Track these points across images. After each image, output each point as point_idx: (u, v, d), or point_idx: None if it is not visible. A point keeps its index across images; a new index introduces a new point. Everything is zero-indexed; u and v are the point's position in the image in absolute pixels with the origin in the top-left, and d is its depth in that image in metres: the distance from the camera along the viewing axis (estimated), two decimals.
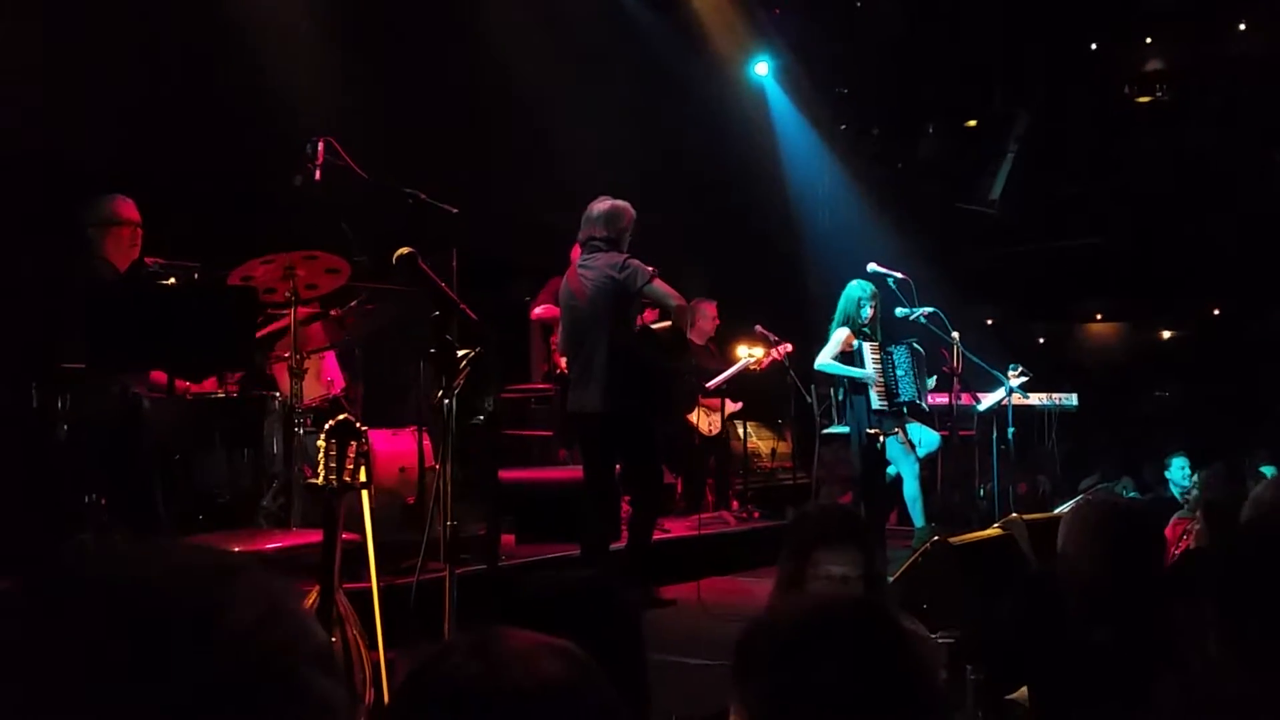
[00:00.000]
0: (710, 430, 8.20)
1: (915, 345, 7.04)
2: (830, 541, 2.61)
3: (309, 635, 0.79)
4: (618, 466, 5.79)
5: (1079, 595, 2.60)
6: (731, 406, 8.56)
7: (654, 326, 5.80)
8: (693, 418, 8.07)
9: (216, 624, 0.73)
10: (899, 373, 6.92)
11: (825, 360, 6.93)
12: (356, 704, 3.00)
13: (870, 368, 6.87)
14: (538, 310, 7.27)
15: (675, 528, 7.01)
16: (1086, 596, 2.59)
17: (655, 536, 6.05)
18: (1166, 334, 13.00)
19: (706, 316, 8.18)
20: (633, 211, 5.69)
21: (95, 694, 0.69)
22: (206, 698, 0.71)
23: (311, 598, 3.09)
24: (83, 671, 0.70)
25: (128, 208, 4.91)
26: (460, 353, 3.07)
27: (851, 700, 1.42)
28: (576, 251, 6.93)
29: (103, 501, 4.43)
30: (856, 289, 7.01)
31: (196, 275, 5.00)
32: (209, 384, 5.04)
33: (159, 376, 4.63)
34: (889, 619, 1.56)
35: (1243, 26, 10.09)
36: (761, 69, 10.23)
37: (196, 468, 4.84)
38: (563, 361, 6.64)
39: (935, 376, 7.19)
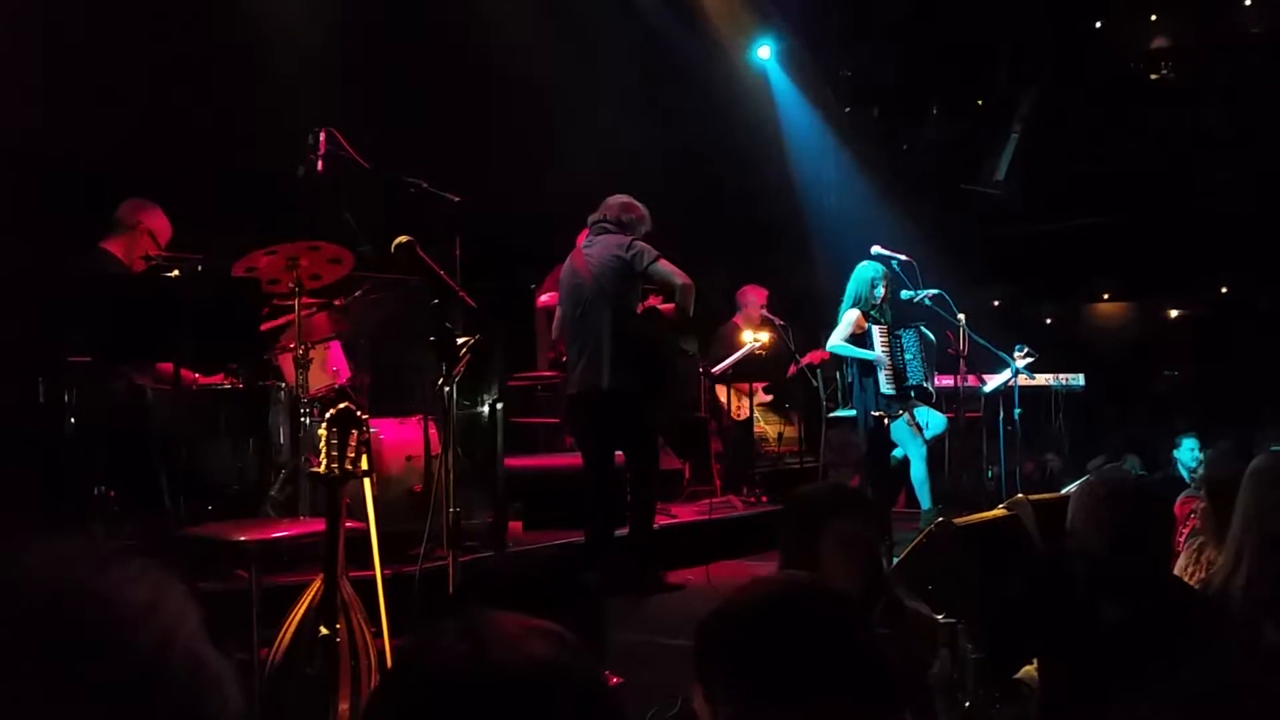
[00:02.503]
0: (739, 414, 8.27)
1: (924, 330, 7.03)
2: (844, 510, 2.65)
3: (192, 611, 0.81)
4: (619, 454, 5.80)
5: (1088, 571, 2.60)
6: (763, 398, 8.63)
7: (659, 307, 5.80)
8: (724, 399, 8.18)
9: (108, 612, 0.75)
10: (907, 356, 6.92)
11: (837, 341, 6.93)
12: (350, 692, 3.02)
13: (879, 351, 6.87)
14: (544, 298, 7.28)
15: (683, 512, 7.03)
16: (1095, 572, 2.59)
17: (663, 521, 6.07)
18: (1174, 313, 12.94)
19: (754, 304, 8.24)
20: (648, 215, 5.73)
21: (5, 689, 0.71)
22: (110, 681, 0.74)
23: (316, 586, 3.11)
24: None
25: (150, 217, 4.98)
26: (460, 340, 3.07)
27: (808, 683, 1.43)
28: (580, 239, 6.95)
29: (111, 493, 4.46)
30: (869, 269, 6.99)
31: (200, 267, 5.02)
32: (215, 375, 5.06)
33: (165, 368, 4.64)
34: (838, 601, 1.58)
35: (1248, 2, 10.02)
36: (764, 53, 10.19)
37: (204, 458, 4.85)
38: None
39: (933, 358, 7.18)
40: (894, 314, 7.09)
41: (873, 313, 6.94)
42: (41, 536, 0.79)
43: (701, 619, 1.60)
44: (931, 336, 7.05)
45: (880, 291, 6.95)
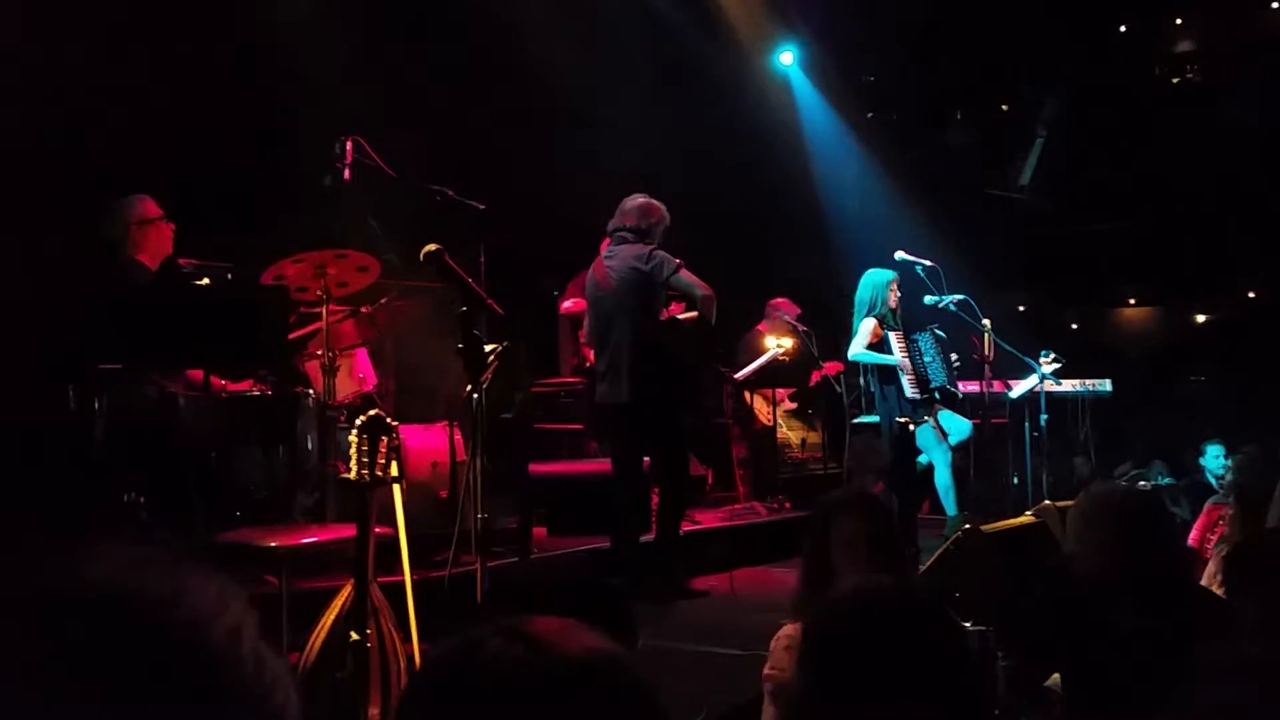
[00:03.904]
0: (767, 420, 8.29)
1: (937, 331, 7.02)
2: (846, 510, 2.69)
3: (251, 614, 0.83)
4: (646, 459, 5.80)
5: (1092, 585, 2.60)
6: (788, 405, 8.64)
7: (680, 317, 5.81)
8: (753, 404, 8.22)
9: (180, 612, 0.78)
10: (926, 359, 6.90)
11: (858, 350, 6.92)
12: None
13: (899, 356, 6.86)
14: (566, 304, 7.30)
15: (707, 519, 7.03)
16: (1099, 586, 2.59)
17: (687, 528, 6.06)
18: (1201, 317, 12.84)
19: (784, 316, 8.24)
20: (667, 213, 5.72)
21: (77, 695, 0.74)
22: (188, 681, 0.76)
23: (346, 591, 3.13)
24: (65, 675, 0.74)
25: (150, 205, 4.98)
26: (488, 347, 3.09)
27: (902, 689, 1.45)
28: (606, 244, 6.96)
29: (141, 500, 4.50)
30: (878, 276, 6.99)
31: (230, 275, 5.07)
32: (244, 382, 5.10)
33: (195, 375, 4.69)
34: (936, 610, 1.59)
35: (1275, 4, 9.95)
36: (786, 59, 10.19)
37: (233, 465, 4.89)
38: (591, 354, 6.66)
39: (959, 361, 7.15)
40: (905, 318, 7.08)
41: (887, 319, 6.93)
42: (104, 542, 0.81)
43: (811, 617, 1.63)
44: (944, 335, 7.03)
45: (890, 297, 6.94)
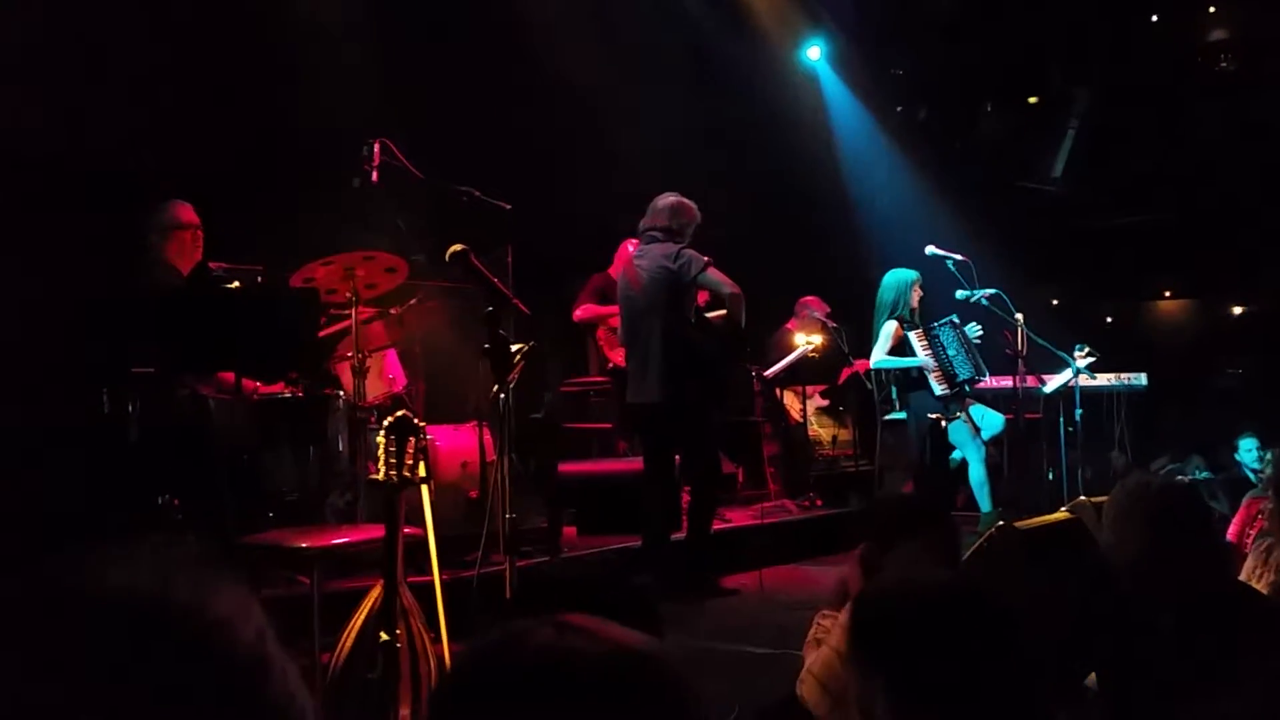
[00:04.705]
0: (798, 416, 8.28)
1: (954, 320, 6.96)
2: (912, 532, 2.62)
3: (264, 620, 0.84)
4: (677, 457, 5.79)
5: (1131, 582, 2.56)
6: (820, 401, 8.61)
7: (709, 315, 5.79)
8: (785, 401, 8.21)
9: (208, 616, 0.78)
10: (950, 353, 6.85)
11: (880, 357, 6.89)
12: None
13: (922, 356, 6.81)
14: (579, 313, 7.26)
15: (738, 517, 7.00)
16: (1137, 582, 2.54)
17: (718, 526, 6.05)
18: (1238, 310, 12.66)
19: (814, 314, 8.21)
20: (697, 211, 5.72)
21: (108, 694, 0.74)
22: (218, 683, 0.77)
23: (376, 591, 3.14)
24: (100, 679, 0.75)
25: (186, 211, 5.03)
26: (515, 347, 3.09)
27: (961, 686, 1.44)
28: (622, 249, 6.98)
29: (175, 502, 4.54)
30: (901, 276, 6.95)
31: (260, 278, 5.11)
32: (275, 385, 5.14)
33: (227, 378, 4.73)
34: (1002, 609, 1.58)
35: None
36: (814, 54, 10.14)
37: (264, 466, 4.93)
38: (615, 355, 6.67)
39: (982, 332, 7.08)
40: (931, 311, 7.03)
41: (908, 319, 6.89)
42: (129, 547, 0.81)
43: (859, 608, 1.63)
44: (958, 320, 6.97)
45: (913, 298, 6.90)
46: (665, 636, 1.79)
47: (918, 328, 6.88)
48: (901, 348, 6.86)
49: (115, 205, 5.30)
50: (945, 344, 6.85)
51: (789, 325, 8.43)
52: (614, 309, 6.37)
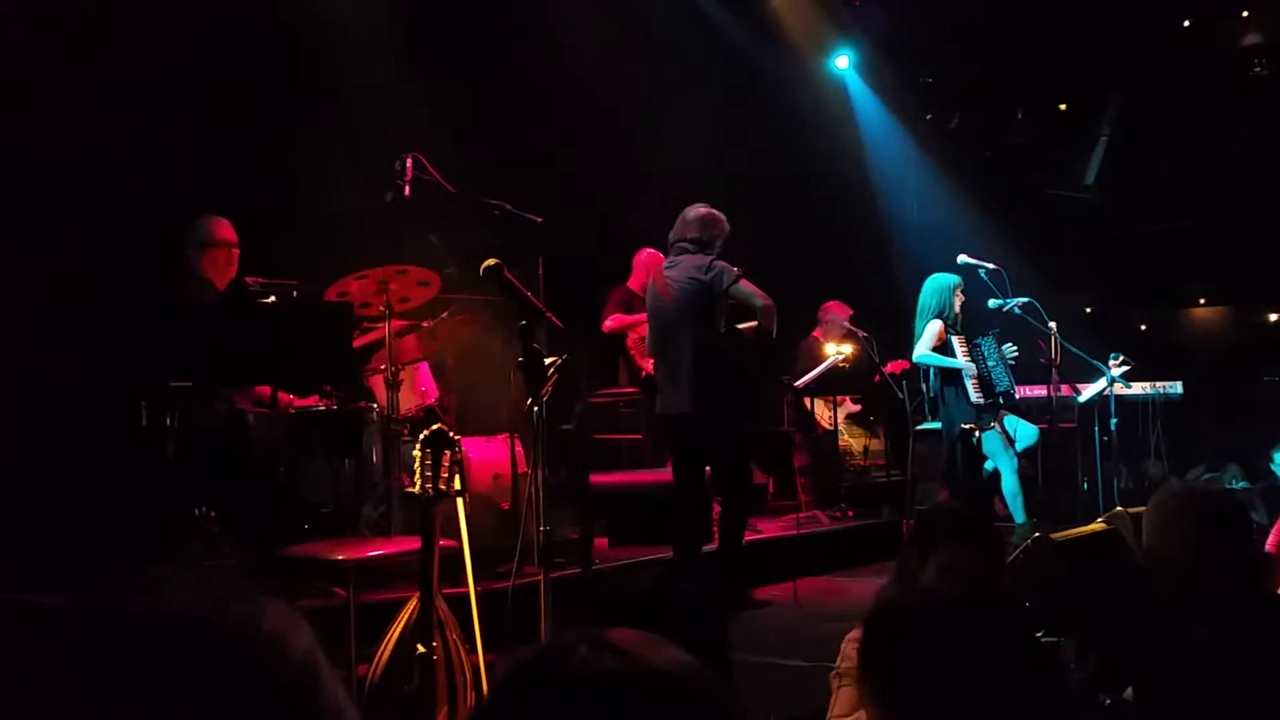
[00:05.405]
0: (827, 424, 8.26)
1: (997, 332, 6.93)
2: (947, 540, 2.60)
3: (312, 633, 0.85)
4: (708, 468, 5.79)
5: (1172, 590, 2.53)
6: (852, 408, 8.59)
7: (740, 327, 5.79)
8: (814, 411, 8.19)
9: (260, 633, 0.80)
10: (990, 364, 6.82)
11: (923, 352, 6.84)
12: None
13: (963, 360, 6.78)
14: (607, 324, 7.28)
15: (769, 528, 6.99)
16: (1178, 589, 2.51)
17: (749, 537, 6.04)
18: (1274, 316, 12.51)
19: (838, 320, 8.20)
20: (727, 223, 5.72)
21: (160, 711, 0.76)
22: (256, 701, 0.78)
23: (412, 604, 3.16)
24: (158, 702, 0.76)
25: (225, 229, 5.10)
26: (548, 360, 3.11)
27: (975, 690, 1.43)
28: (637, 259, 7.00)
29: (213, 514, 4.59)
30: (943, 280, 6.91)
31: (295, 293, 5.16)
32: (310, 398, 5.19)
33: (263, 391, 4.78)
34: (1012, 611, 1.56)
35: None
36: (842, 62, 10.13)
37: (300, 479, 4.98)
38: (647, 364, 6.67)
39: (1017, 351, 7.05)
40: (968, 322, 7.00)
41: (952, 323, 6.85)
42: (176, 565, 0.83)
43: (870, 616, 1.61)
44: (999, 332, 6.94)
45: (956, 302, 6.87)
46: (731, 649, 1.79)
47: (960, 334, 6.85)
48: (944, 349, 6.83)
49: (155, 220, 5.37)
50: (986, 354, 6.82)
51: (815, 334, 8.41)
52: (641, 317, 6.39)
